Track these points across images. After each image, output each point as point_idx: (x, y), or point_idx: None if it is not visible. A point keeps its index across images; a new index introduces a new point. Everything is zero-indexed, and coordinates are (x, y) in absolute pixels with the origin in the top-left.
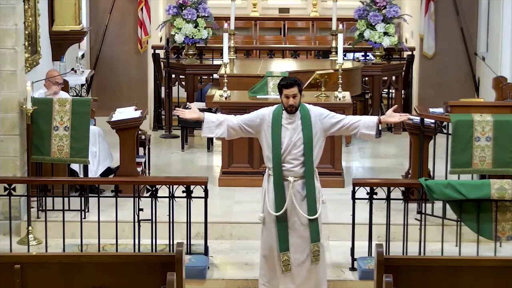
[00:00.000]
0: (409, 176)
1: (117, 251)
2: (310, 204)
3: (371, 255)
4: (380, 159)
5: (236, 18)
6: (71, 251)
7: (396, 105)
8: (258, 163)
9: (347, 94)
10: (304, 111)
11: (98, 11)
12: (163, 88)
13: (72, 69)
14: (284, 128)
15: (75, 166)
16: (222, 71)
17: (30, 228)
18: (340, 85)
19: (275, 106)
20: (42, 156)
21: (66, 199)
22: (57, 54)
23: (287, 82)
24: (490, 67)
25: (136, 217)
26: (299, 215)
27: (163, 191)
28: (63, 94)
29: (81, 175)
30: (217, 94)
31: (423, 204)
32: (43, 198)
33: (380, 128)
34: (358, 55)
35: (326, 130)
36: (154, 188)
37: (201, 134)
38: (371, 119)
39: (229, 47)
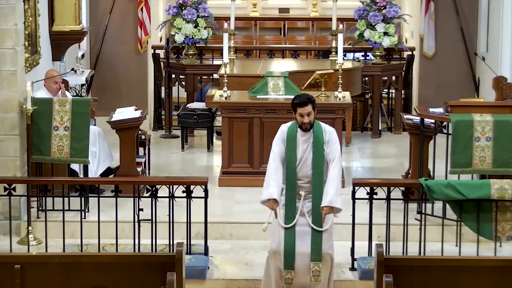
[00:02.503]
0: (409, 176)
1: (117, 251)
2: (316, 217)
3: (371, 255)
4: (380, 159)
5: (236, 18)
6: (71, 251)
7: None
8: (258, 163)
9: (347, 94)
10: (318, 129)
11: (98, 11)
12: (163, 88)
13: (72, 69)
14: (298, 145)
15: (75, 166)
16: (222, 71)
17: (30, 228)
18: (340, 85)
19: (290, 122)
20: (42, 156)
21: (66, 199)
22: (57, 54)
23: (301, 100)
24: (490, 67)
25: (136, 217)
26: (308, 226)
27: (163, 191)
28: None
29: (81, 175)
30: (217, 94)
31: (423, 204)
32: (43, 198)
33: (380, 128)
34: (358, 55)
35: None
36: (154, 188)
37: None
38: (327, 193)
39: (229, 47)
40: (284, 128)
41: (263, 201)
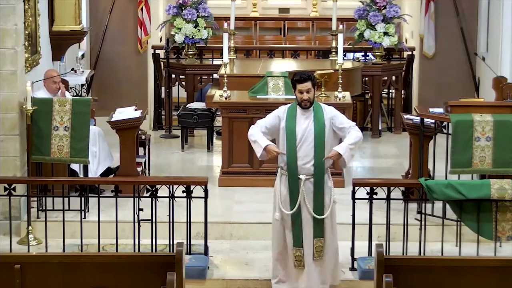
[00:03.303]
0: (409, 176)
1: (117, 251)
2: (318, 203)
3: (371, 255)
4: (380, 159)
5: (236, 18)
6: (71, 251)
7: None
8: (258, 163)
9: (347, 94)
10: (317, 107)
11: (98, 11)
12: (163, 88)
13: (72, 69)
14: (298, 122)
15: (75, 166)
16: (222, 71)
17: (30, 228)
18: (340, 85)
19: (289, 104)
20: (42, 156)
21: (66, 199)
22: (57, 54)
23: (301, 77)
24: (490, 67)
25: (136, 217)
26: (310, 213)
27: (163, 191)
28: (66, 94)
29: (81, 175)
30: (217, 94)
31: (423, 204)
32: (43, 198)
33: (380, 128)
34: (358, 55)
35: (334, 132)
36: (154, 188)
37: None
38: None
39: (229, 47)
40: (282, 108)
41: (262, 156)
